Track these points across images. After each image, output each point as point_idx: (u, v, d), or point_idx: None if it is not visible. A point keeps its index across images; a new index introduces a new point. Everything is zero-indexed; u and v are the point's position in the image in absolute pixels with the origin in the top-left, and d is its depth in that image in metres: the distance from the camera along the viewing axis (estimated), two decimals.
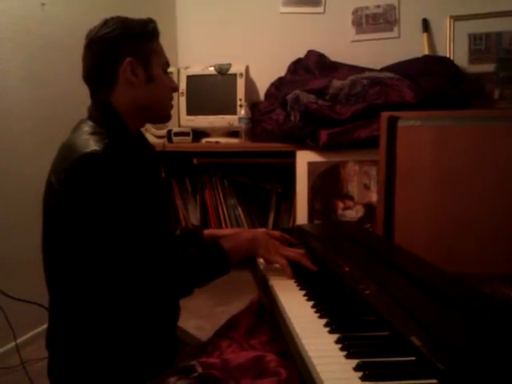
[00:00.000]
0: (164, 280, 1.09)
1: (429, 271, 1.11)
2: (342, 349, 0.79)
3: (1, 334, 2.03)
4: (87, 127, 1.13)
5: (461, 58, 2.60)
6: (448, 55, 2.63)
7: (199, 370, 1.00)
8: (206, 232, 1.48)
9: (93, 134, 1.10)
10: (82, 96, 1.23)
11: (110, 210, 1.04)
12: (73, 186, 1.05)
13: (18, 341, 2.06)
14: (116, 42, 1.15)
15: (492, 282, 1.67)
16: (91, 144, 1.06)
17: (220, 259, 1.14)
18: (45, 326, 1.20)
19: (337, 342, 0.81)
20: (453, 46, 2.64)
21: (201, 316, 2.27)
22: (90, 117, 1.17)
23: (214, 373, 0.99)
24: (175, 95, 1.34)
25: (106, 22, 1.18)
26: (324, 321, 0.90)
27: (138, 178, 1.13)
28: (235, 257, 1.16)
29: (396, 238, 1.93)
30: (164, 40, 1.25)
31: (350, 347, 0.78)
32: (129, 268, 1.05)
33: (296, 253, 1.23)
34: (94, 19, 1.20)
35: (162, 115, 1.27)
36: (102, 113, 1.17)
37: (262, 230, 1.46)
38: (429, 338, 0.75)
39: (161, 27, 1.24)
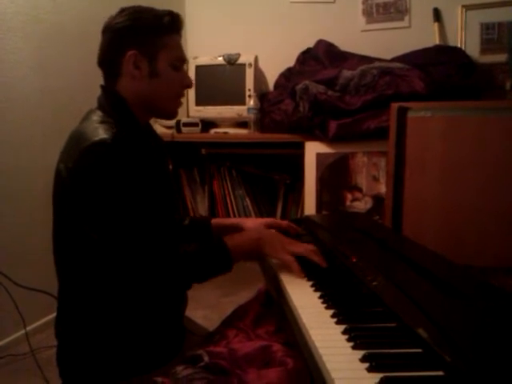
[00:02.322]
0: (165, 272, 1.09)
1: (437, 263, 1.10)
2: (348, 339, 0.79)
3: (11, 322, 2.05)
4: (96, 116, 1.14)
5: (472, 48, 2.57)
6: (459, 45, 2.60)
7: (206, 359, 1.00)
8: (214, 221, 1.47)
9: (102, 122, 1.11)
10: (92, 86, 1.23)
11: (117, 198, 1.04)
12: (81, 174, 1.05)
13: (28, 329, 2.08)
14: (122, 33, 1.15)
15: (498, 274, 1.67)
16: (100, 133, 1.06)
17: (222, 257, 1.13)
18: (54, 315, 1.21)
19: (343, 332, 0.81)
20: (464, 36, 2.61)
21: (208, 306, 2.28)
22: (100, 106, 1.18)
23: (221, 362, 0.99)
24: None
25: (121, 11, 1.18)
26: (331, 311, 0.90)
27: (146, 168, 1.14)
28: (239, 256, 1.15)
29: (404, 229, 1.92)
30: None
31: (356, 338, 0.78)
32: (133, 258, 1.05)
33: (304, 248, 1.19)
34: (103, 9, 1.20)
35: (165, 111, 1.25)
36: (111, 102, 1.17)
37: (269, 220, 1.45)
38: (436, 329, 0.74)
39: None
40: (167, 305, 1.18)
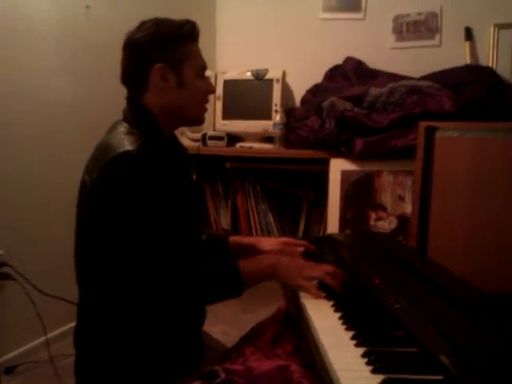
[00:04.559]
0: (184, 289, 1.09)
1: (463, 288, 1.07)
2: (368, 363, 0.77)
3: (32, 329, 2.07)
4: (122, 128, 1.15)
5: (504, 68, 2.53)
6: (491, 64, 2.56)
7: (222, 375, 0.99)
8: (231, 239, 1.46)
9: (127, 134, 1.12)
10: (120, 99, 1.24)
11: (141, 210, 1.04)
12: (106, 185, 1.06)
13: (49, 336, 2.10)
14: (146, 47, 1.15)
15: None
16: (126, 144, 1.07)
17: (234, 283, 1.12)
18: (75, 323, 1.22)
19: (363, 355, 0.80)
20: (496, 56, 2.57)
21: (227, 321, 2.26)
22: (125, 118, 1.19)
23: (237, 379, 0.98)
24: (212, 99, 1.33)
25: (141, 25, 1.18)
26: (351, 333, 0.89)
27: (171, 180, 1.14)
28: (252, 282, 1.14)
29: (429, 251, 1.87)
30: (203, 44, 1.24)
31: (376, 362, 0.76)
32: (154, 271, 1.05)
33: (321, 271, 1.16)
34: (136, 22, 1.21)
35: (194, 119, 1.26)
36: (136, 114, 1.18)
37: (286, 239, 1.44)
38: (458, 356, 0.72)
39: (200, 32, 1.23)
40: (186, 319, 1.17)
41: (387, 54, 2.80)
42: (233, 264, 1.14)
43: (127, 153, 1.05)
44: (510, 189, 1.84)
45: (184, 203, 1.21)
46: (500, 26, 2.56)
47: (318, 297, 1.09)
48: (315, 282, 1.15)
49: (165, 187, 1.09)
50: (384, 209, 2.33)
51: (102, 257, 1.10)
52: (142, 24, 1.18)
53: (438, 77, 2.50)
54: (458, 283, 1.10)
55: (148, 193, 1.05)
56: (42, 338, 2.09)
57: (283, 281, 1.19)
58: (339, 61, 2.84)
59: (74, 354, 1.20)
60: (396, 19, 2.79)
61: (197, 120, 1.27)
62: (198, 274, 1.11)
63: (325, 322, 0.96)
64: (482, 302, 0.97)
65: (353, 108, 2.40)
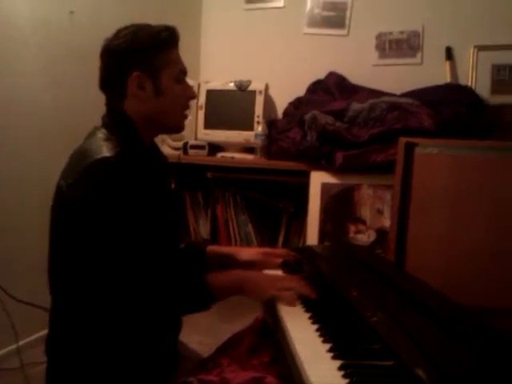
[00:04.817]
0: (156, 298, 1.07)
1: (440, 302, 1.08)
2: (344, 376, 0.77)
3: (3, 336, 2.01)
4: (101, 134, 1.14)
5: (483, 88, 2.58)
6: (470, 84, 2.61)
7: None
8: (210, 248, 1.46)
9: (106, 140, 1.11)
10: (102, 105, 1.23)
11: (116, 217, 1.03)
12: (82, 191, 1.04)
13: (21, 343, 2.04)
14: (123, 55, 1.15)
15: (510, 317, 1.61)
16: (104, 150, 1.06)
17: (202, 297, 1.11)
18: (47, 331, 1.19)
19: (340, 368, 0.79)
20: (475, 76, 2.62)
21: (203, 331, 2.24)
22: (104, 124, 1.18)
23: None
24: (194, 107, 1.32)
25: (118, 32, 1.17)
26: (328, 346, 0.88)
27: (148, 188, 1.13)
28: (222, 296, 1.13)
29: (407, 265, 1.89)
30: (187, 54, 1.24)
31: (352, 375, 0.76)
32: (128, 278, 1.04)
33: (294, 282, 1.17)
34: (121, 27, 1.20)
35: (173, 126, 1.25)
36: (115, 121, 1.17)
37: (265, 249, 1.46)
38: (434, 370, 0.72)
39: (185, 41, 1.22)
40: (159, 329, 1.15)
41: (369, 71, 2.83)
42: (203, 277, 1.13)
43: (105, 159, 1.04)
44: (487, 206, 1.87)
45: (161, 211, 1.20)
46: (480, 48, 2.62)
47: (293, 304, 1.09)
48: (292, 293, 1.14)
49: (141, 195, 1.08)
50: (363, 222, 2.35)
51: (75, 264, 1.08)
52: (120, 31, 1.17)
53: (418, 94, 2.53)
54: (436, 297, 1.10)
55: (124, 200, 1.04)
56: (14, 346, 2.04)
57: (252, 297, 1.17)
58: (322, 75, 2.86)
59: (45, 362, 1.18)
60: (379, 37, 2.83)
61: (177, 127, 1.26)
62: (169, 284, 1.10)
63: (302, 334, 0.96)
64: (460, 317, 0.98)
65: (334, 122, 2.42)
